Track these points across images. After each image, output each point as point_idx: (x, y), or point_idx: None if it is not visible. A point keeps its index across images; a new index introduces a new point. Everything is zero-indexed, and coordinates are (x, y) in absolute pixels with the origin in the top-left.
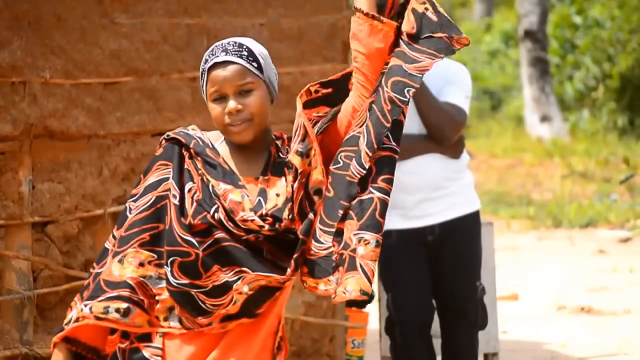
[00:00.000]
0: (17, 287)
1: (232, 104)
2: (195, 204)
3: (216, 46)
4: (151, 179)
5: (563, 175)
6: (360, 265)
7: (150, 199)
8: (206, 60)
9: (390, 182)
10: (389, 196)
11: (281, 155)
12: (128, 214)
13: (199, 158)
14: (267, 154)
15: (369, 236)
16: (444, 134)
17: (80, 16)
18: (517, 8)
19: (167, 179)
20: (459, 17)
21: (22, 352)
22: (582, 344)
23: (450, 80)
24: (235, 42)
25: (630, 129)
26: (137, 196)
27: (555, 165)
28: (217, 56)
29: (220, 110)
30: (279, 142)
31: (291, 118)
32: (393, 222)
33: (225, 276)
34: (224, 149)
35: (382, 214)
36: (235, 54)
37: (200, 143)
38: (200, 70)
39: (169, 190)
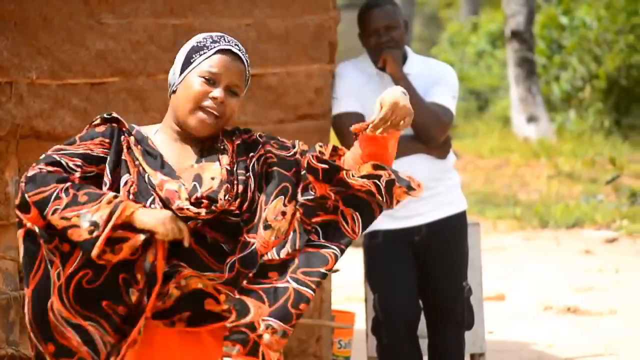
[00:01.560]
0: (3, 288)
1: (220, 93)
2: (131, 196)
3: (227, 36)
4: (95, 149)
5: (549, 176)
6: (262, 355)
7: (93, 171)
8: (215, 41)
9: (318, 276)
10: (312, 290)
11: (216, 143)
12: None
13: (139, 147)
14: (200, 144)
15: (277, 325)
16: (431, 134)
17: (67, 16)
18: (504, 8)
19: (106, 160)
20: (445, 17)
21: (9, 352)
22: (568, 344)
23: (437, 81)
24: (244, 49)
25: (616, 130)
26: (71, 153)
27: (542, 166)
28: (232, 45)
29: (205, 90)
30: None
31: (278, 118)
32: (380, 222)
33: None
34: (160, 141)
35: (296, 305)
36: (244, 57)
37: (141, 132)
38: (200, 44)
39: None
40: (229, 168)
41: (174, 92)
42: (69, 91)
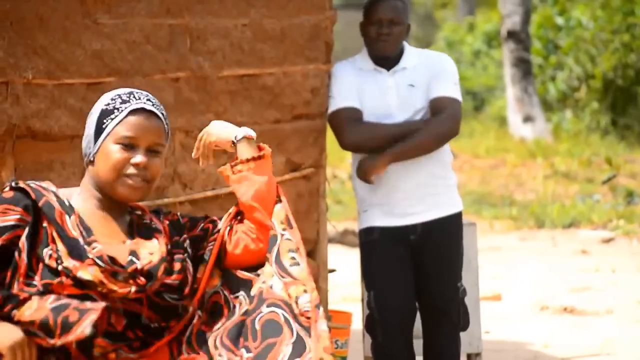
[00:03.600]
0: None
1: (142, 157)
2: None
3: (137, 92)
4: None
5: (546, 176)
6: None
7: None
8: (124, 101)
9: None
10: None
11: (145, 221)
12: None
13: (51, 224)
14: (129, 219)
15: None
16: (449, 136)
17: (63, 16)
18: (500, 9)
19: (14, 227)
20: (441, 18)
21: None
22: (564, 344)
23: (436, 72)
24: (155, 99)
25: (612, 130)
26: None
27: (538, 166)
28: (144, 102)
29: (125, 158)
30: (138, 212)
31: (274, 118)
32: (376, 218)
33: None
34: (81, 207)
35: None
36: (159, 110)
37: (53, 200)
38: (109, 106)
39: (16, 239)
40: (166, 247)
41: (91, 161)
42: (65, 91)
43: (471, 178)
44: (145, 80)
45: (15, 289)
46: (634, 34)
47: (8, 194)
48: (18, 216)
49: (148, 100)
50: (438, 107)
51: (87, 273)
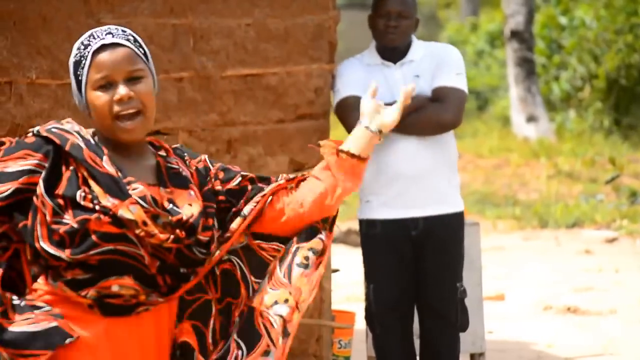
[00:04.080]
0: None
1: (123, 89)
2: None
3: (96, 30)
4: (12, 165)
5: (549, 176)
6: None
7: (9, 189)
8: (86, 45)
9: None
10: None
11: (172, 165)
12: None
13: (81, 166)
14: (155, 161)
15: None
16: (449, 125)
17: (66, 16)
18: (503, 8)
19: (31, 171)
20: (444, 17)
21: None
22: (568, 344)
23: (440, 63)
24: (118, 28)
25: (616, 129)
26: None
27: (542, 166)
28: (103, 38)
29: (108, 99)
30: (162, 152)
31: (277, 118)
32: (378, 210)
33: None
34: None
35: None
36: (123, 38)
37: (79, 141)
38: (77, 57)
39: (32, 185)
40: (202, 201)
41: (89, 114)
42: (69, 91)
43: (474, 178)
44: None
45: (39, 234)
46: (638, 34)
47: (30, 139)
48: (36, 161)
49: (108, 33)
50: (440, 96)
51: (128, 212)
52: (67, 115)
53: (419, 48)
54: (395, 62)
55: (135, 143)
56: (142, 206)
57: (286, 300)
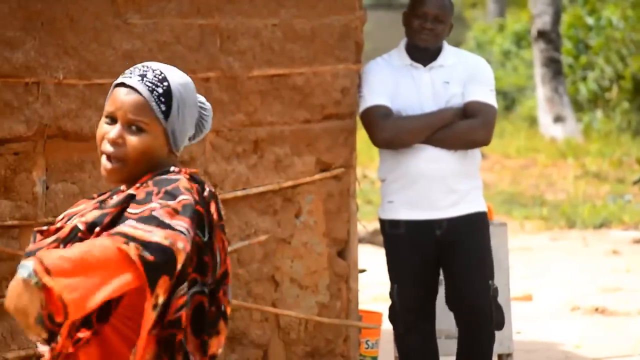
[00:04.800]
0: None
1: (114, 132)
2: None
3: (138, 67)
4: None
5: (576, 176)
6: None
7: None
8: (123, 75)
9: None
10: None
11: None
12: None
13: None
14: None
15: None
16: (479, 143)
17: (93, 17)
18: (530, 8)
19: None
20: (471, 17)
21: (37, 352)
22: (596, 344)
23: (473, 76)
24: (160, 74)
25: None
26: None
27: (569, 166)
28: (131, 77)
29: (103, 132)
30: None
31: (304, 118)
32: (402, 211)
33: None
34: None
35: None
36: (148, 85)
37: None
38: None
39: None
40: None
41: None
42: (96, 91)
43: (502, 178)
44: None
45: None
46: None
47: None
48: None
49: (140, 75)
50: (472, 111)
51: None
52: (93, 116)
53: (450, 54)
54: (424, 64)
55: (112, 183)
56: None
57: None
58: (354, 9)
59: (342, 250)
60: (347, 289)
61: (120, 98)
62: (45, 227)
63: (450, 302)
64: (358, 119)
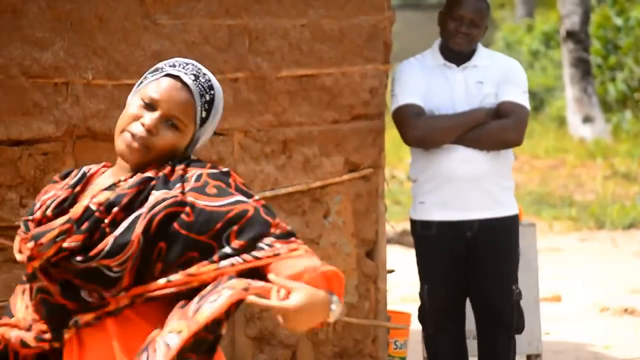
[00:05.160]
0: None
1: (151, 120)
2: None
3: (191, 64)
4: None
5: (605, 176)
6: None
7: None
8: (173, 65)
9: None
10: None
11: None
12: None
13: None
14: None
15: None
16: (511, 144)
17: (122, 17)
18: (559, 9)
19: None
20: (499, 18)
21: None
22: (625, 345)
23: (506, 77)
24: (208, 81)
25: None
26: None
27: (598, 166)
28: (185, 73)
29: (137, 114)
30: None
31: (333, 119)
32: (433, 211)
33: None
34: (105, 177)
35: None
36: (198, 87)
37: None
38: (160, 66)
39: None
40: (85, 209)
41: None
42: (125, 91)
43: (530, 179)
44: None
45: None
46: None
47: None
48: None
49: (193, 74)
50: (506, 111)
51: (16, 244)
52: None
53: (483, 55)
54: (458, 64)
55: (130, 164)
56: (20, 235)
57: (180, 332)
58: (383, 9)
59: (371, 251)
60: (375, 290)
61: (172, 91)
62: (30, 217)
63: (472, 303)
64: (386, 119)
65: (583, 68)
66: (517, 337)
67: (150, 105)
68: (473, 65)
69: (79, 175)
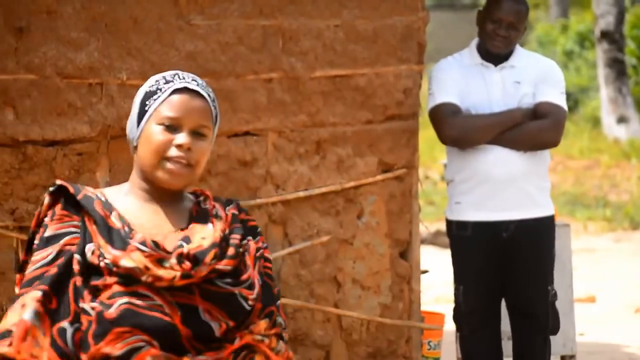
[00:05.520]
0: None
1: (187, 138)
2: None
3: (182, 73)
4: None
5: None
6: None
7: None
8: (168, 81)
9: None
10: None
11: (206, 206)
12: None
13: (90, 217)
14: (189, 206)
15: None
16: (549, 145)
17: (157, 18)
18: (594, 9)
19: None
20: (534, 18)
21: None
22: None
23: (544, 78)
24: (202, 81)
25: None
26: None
27: (632, 167)
28: (189, 82)
29: (168, 139)
30: (201, 199)
31: (366, 119)
32: (469, 212)
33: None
34: (127, 203)
35: None
36: (205, 91)
37: (91, 194)
38: (152, 87)
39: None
40: (222, 233)
41: (135, 147)
42: None
43: (565, 179)
44: (238, 81)
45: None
46: None
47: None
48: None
49: (193, 80)
50: (544, 112)
51: (130, 260)
52: None
53: (521, 55)
54: (495, 64)
55: (173, 192)
56: (142, 251)
57: None
58: (417, 10)
59: (404, 251)
60: (409, 290)
61: (188, 103)
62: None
63: (507, 303)
64: (420, 119)
65: (618, 68)
66: (551, 337)
67: (171, 127)
68: (511, 65)
69: (102, 205)
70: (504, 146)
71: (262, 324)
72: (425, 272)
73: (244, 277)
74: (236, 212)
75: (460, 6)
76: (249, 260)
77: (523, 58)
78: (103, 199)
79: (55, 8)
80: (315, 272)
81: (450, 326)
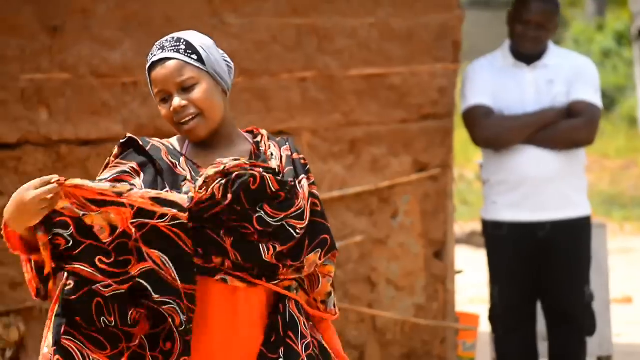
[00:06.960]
0: None
1: (176, 100)
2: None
3: (155, 45)
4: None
5: None
6: None
7: None
8: (147, 62)
9: None
10: None
11: (259, 146)
12: None
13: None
14: (246, 153)
15: None
16: (583, 143)
17: (190, 16)
18: (630, 7)
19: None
20: (570, 16)
21: None
22: None
23: (578, 76)
24: (173, 37)
25: None
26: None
27: None
28: (155, 55)
29: (168, 111)
30: (258, 139)
31: (401, 118)
32: (505, 212)
33: None
34: (193, 150)
35: None
36: (172, 50)
37: (158, 143)
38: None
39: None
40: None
41: None
42: None
43: (601, 179)
44: (273, 79)
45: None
46: None
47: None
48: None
49: (160, 48)
50: (578, 111)
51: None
52: None
53: (554, 53)
54: (528, 64)
55: (213, 137)
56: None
57: None
58: (452, 8)
59: (439, 251)
60: (444, 291)
61: (161, 73)
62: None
63: (543, 304)
64: (455, 119)
65: None
66: (587, 339)
67: (164, 99)
68: (543, 64)
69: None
70: (539, 146)
71: (312, 257)
72: (459, 272)
73: (294, 208)
74: (289, 152)
75: (496, 4)
76: (302, 195)
77: (556, 56)
78: (171, 147)
79: (90, 7)
80: (349, 272)
81: (485, 327)
